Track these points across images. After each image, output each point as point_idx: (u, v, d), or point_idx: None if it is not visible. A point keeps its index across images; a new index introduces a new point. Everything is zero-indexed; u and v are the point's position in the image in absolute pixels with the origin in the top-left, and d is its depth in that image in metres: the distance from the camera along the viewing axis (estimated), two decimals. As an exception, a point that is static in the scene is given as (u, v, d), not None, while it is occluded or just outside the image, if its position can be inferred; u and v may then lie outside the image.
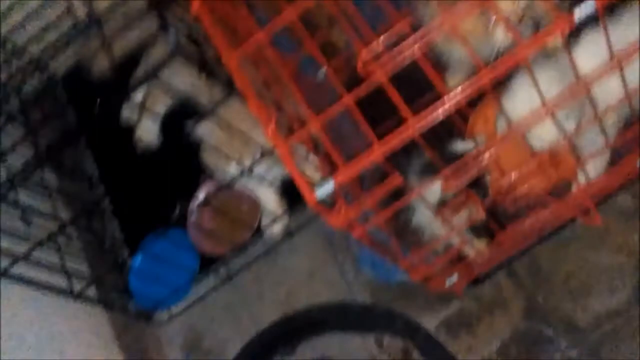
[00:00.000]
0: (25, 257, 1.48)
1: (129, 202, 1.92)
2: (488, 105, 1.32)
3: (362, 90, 1.00)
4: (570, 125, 1.13)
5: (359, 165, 1.00)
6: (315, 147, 1.19)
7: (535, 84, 0.99)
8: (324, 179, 1.03)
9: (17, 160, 1.53)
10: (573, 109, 1.13)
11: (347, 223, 1.10)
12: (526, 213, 1.38)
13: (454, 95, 0.95)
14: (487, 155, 1.08)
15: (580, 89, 1.00)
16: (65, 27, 1.42)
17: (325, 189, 1.02)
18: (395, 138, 0.98)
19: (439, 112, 0.96)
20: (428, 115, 0.96)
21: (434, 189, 1.30)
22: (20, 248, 1.52)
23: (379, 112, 1.10)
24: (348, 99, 1.02)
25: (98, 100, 1.26)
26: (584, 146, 1.24)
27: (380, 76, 0.98)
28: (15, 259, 1.48)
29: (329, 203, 1.11)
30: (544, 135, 1.13)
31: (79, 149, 1.92)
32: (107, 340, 1.88)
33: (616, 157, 1.35)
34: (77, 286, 1.64)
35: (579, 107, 1.13)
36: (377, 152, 0.99)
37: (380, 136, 0.99)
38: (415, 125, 0.96)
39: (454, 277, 1.43)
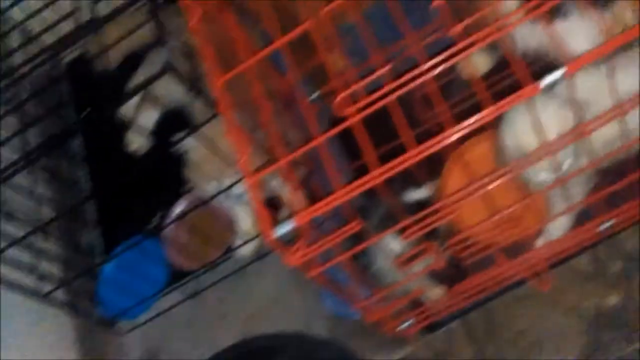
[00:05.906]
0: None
1: (112, 208, 1.95)
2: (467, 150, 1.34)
3: (333, 132, 1.02)
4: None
5: (318, 210, 1.03)
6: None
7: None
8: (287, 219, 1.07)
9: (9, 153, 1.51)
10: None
11: (302, 263, 1.14)
12: (486, 265, 1.40)
13: (418, 151, 0.99)
14: (447, 210, 1.11)
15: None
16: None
17: (284, 229, 1.06)
18: (356, 187, 1.00)
19: (404, 164, 0.99)
20: (391, 167, 0.99)
21: (395, 240, 1.34)
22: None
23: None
24: (319, 139, 1.05)
25: (88, 109, 1.30)
26: (554, 202, 1.26)
27: (353, 120, 1.01)
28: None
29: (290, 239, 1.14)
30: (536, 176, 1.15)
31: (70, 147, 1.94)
32: (68, 343, 1.88)
33: (581, 218, 1.36)
34: (47, 287, 1.65)
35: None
36: (339, 198, 1.02)
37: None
38: (378, 176, 0.99)
39: (409, 322, 1.45)
